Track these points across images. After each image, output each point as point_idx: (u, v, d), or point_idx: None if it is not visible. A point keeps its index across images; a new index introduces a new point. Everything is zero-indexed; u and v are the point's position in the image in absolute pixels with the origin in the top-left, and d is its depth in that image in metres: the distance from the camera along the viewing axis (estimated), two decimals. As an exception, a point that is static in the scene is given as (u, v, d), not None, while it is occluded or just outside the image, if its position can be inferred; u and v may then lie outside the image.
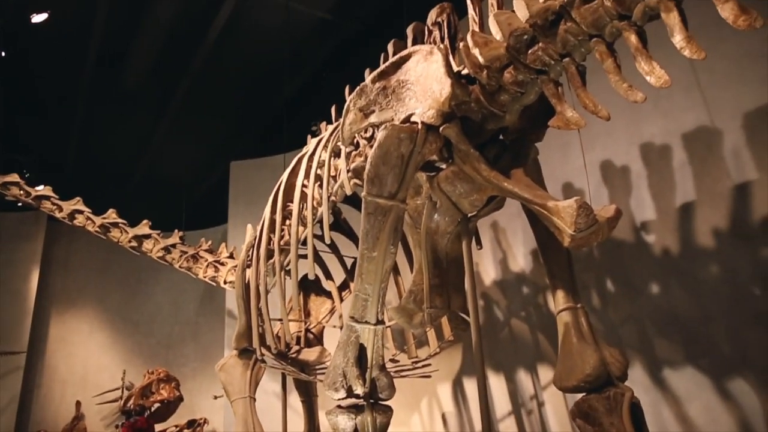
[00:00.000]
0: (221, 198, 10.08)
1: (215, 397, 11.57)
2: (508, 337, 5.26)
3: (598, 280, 4.48)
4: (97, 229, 8.44)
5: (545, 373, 4.80)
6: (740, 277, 3.70)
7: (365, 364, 3.11)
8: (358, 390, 3.08)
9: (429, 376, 4.85)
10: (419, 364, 4.68)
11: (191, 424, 11.55)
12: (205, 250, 7.66)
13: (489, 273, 5.61)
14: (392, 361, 4.64)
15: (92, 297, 14.10)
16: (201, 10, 7.56)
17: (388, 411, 3.27)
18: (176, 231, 8.06)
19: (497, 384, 5.27)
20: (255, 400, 5.11)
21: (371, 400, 3.14)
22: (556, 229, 2.58)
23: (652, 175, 4.34)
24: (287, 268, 5.30)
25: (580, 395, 2.82)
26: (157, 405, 11.06)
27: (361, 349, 3.11)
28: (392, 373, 4.64)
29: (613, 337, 4.25)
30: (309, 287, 5.54)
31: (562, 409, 4.58)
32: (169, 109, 9.58)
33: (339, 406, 3.15)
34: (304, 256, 4.59)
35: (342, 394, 3.09)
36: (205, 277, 7.58)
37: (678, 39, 2.09)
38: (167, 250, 8.06)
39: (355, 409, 3.13)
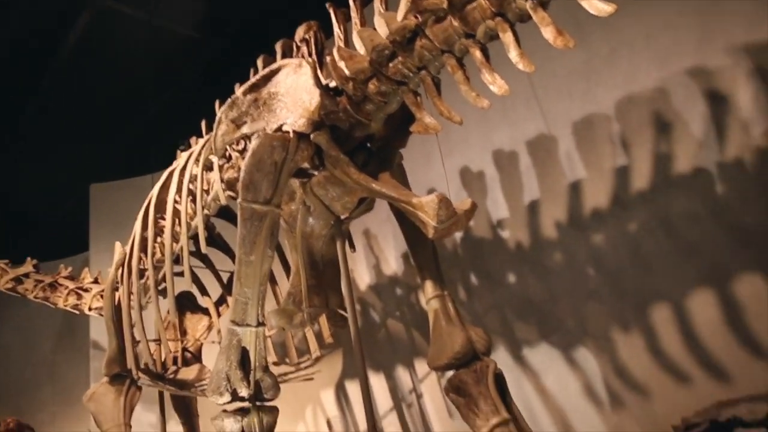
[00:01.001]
0: (81, 224, 9.39)
1: (85, 439, 10.63)
2: (385, 336, 5.53)
3: (463, 275, 4.90)
4: (-73, 261, 7.46)
5: (422, 367, 5.12)
6: (578, 261, 4.30)
7: (248, 366, 3.16)
8: (243, 392, 3.12)
9: (311, 379, 4.95)
10: (302, 365, 4.77)
11: (54, 474, 10.48)
12: (65, 277, 7.07)
13: (363, 278, 5.87)
14: (274, 364, 4.68)
15: None
16: (52, 25, 7.12)
17: (274, 411, 3.33)
18: (29, 259, 7.37)
19: (377, 383, 5.51)
20: (131, 427, 4.86)
21: (257, 402, 3.19)
22: (421, 222, 2.87)
23: (504, 178, 4.87)
24: (161, 287, 5.15)
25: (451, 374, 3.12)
26: (9, 458, 9.82)
27: (244, 352, 3.15)
28: (281, 380, 4.69)
29: (479, 325, 4.64)
30: (184, 305, 5.41)
31: (439, 397, 4.92)
32: (18, 131, 8.80)
33: (224, 411, 3.17)
34: (180, 274, 4.52)
35: (227, 398, 3.11)
36: (66, 305, 6.98)
37: (513, 54, 2.47)
38: (18, 280, 7.31)
39: (241, 412, 3.16)
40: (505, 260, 4.72)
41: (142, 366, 4.67)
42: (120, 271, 4.94)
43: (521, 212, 4.72)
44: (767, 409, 3.24)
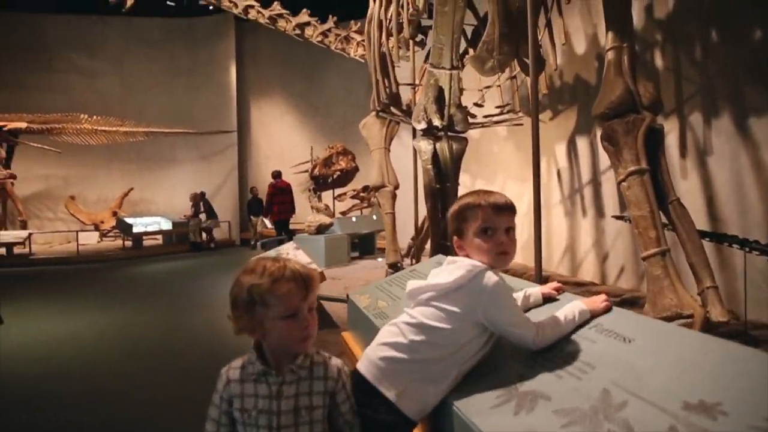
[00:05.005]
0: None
1: (382, 168, 13.45)
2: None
3: (702, 30, 4.41)
4: (267, 20, 9.69)
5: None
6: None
7: (443, 102, 3.86)
8: (436, 122, 3.89)
9: (521, 124, 5.42)
10: (505, 110, 5.26)
11: (366, 188, 13.73)
12: (355, 32, 8.50)
13: (578, 40, 5.62)
14: (477, 105, 5.19)
15: (278, 85, 16.30)
16: None
17: (463, 141, 4.07)
18: (330, 16, 8.94)
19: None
20: (389, 150, 6.27)
21: (449, 132, 3.95)
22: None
23: None
24: (418, 40, 5.97)
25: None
26: (337, 173, 13.05)
27: (440, 91, 3.84)
28: (488, 122, 5.35)
29: (707, 87, 4.36)
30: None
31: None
32: None
33: (423, 135, 4.04)
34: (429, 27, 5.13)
35: (423, 125, 3.94)
36: (356, 55, 8.54)
37: None
38: (324, 34, 9.08)
39: (434, 138, 3.98)
40: (751, 15, 4.06)
41: (404, 107, 5.77)
42: (369, 26, 5.80)
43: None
44: None
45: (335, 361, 1.35)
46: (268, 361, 1.30)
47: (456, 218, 1.51)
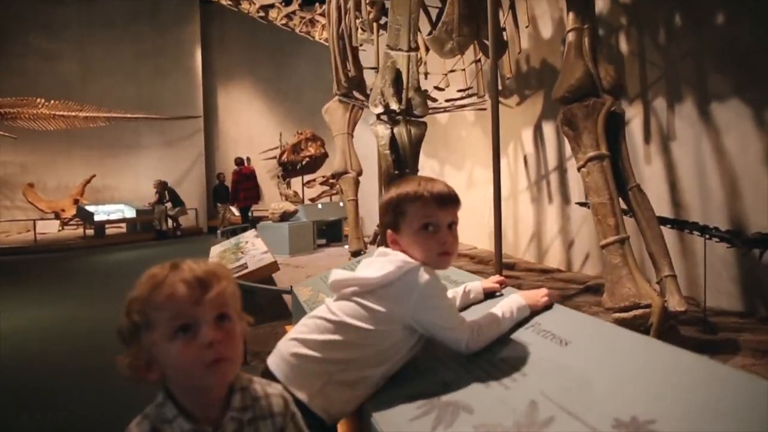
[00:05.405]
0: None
1: (352, 155, 13.26)
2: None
3: (667, 15, 4.33)
4: (230, 2, 9.36)
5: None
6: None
7: (401, 85, 3.70)
8: (394, 106, 3.74)
9: (484, 109, 5.30)
10: (467, 92, 5.13)
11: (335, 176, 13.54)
12: (320, 14, 8.27)
13: (543, 16, 5.54)
14: (437, 89, 5.06)
15: (246, 70, 15.92)
16: None
17: (422, 125, 3.92)
18: (295, -1, 8.69)
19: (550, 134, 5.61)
20: (352, 136, 6.10)
21: (407, 116, 3.80)
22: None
23: None
24: (382, 23, 5.77)
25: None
26: (306, 159, 12.82)
27: (397, 73, 3.68)
28: (450, 106, 5.22)
29: (671, 72, 4.29)
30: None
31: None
32: None
33: (379, 119, 3.88)
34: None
35: (380, 109, 3.78)
36: (320, 39, 8.31)
37: None
38: (289, 17, 8.82)
39: (392, 122, 3.83)
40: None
41: (368, 91, 5.57)
42: (329, 6, 5.59)
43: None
44: None
45: (275, 390, 1.02)
46: (190, 413, 0.89)
47: (393, 209, 1.35)
